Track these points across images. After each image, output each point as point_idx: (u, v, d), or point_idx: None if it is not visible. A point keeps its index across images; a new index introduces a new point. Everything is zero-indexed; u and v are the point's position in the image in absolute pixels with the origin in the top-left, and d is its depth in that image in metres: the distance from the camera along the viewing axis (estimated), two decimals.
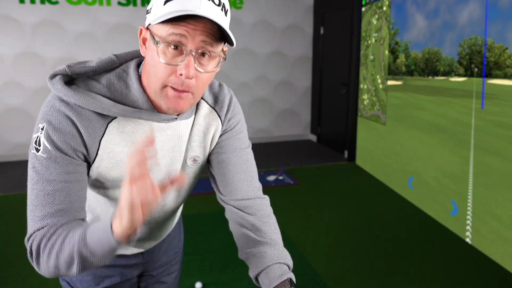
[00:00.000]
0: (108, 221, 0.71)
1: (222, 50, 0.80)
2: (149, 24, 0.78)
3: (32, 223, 0.79)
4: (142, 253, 1.15)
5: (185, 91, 0.78)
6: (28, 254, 0.79)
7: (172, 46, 0.74)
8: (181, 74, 0.75)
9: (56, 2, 5.05)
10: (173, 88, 0.77)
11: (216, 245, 2.98)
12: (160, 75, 0.76)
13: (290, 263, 0.93)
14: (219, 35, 0.76)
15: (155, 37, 0.75)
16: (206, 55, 0.77)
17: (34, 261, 0.79)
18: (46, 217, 0.78)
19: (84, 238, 0.72)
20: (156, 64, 0.76)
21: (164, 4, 0.73)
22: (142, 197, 0.66)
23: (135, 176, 0.65)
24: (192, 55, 0.74)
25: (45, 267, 0.78)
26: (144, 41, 0.80)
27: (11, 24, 4.96)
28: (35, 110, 5.25)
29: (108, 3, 5.23)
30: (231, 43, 0.78)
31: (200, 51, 0.75)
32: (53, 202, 0.79)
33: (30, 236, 0.79)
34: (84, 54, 5.27)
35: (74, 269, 0.74)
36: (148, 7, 0.79)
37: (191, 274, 2.59)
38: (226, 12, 0.77)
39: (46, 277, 0.81)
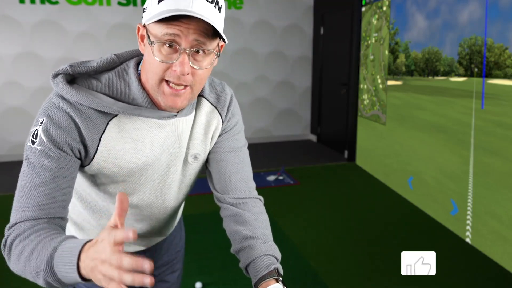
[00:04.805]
0: (75, 254, 0.65)
1: (218, 45, 0.82)
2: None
3: (14, 213, 0.80)
4: (144, 251, 1.16)
5: (184, 85, 0.80)
6: (2, 245, 0.79)
7: (167, 45, 0.76)
8: (176, 71, 0.77)
9: (56, 2, 5.05)
10: (168, 84, 0.80)
11: (216, 245, 2.98)
12: (156, 70, 0.79)
13: (278, 256, 0.95)
14: (213, 32, 0.77)
15: (150, 36, 0.78)
16: (201, 52, 0.79)
17: (5, 255, 0.79)
18: (28, 209, 0.79)
19: (51, 263, 0.68)
20: (153, 62, 0.79)
21: (158, 3, 0.75)
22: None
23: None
24: (186, 53, 0.77)
25: (13, 267, 0.78)
26: (142, 38, 0.83)
27: (11, 24, 4.96)
28: (35, 110, 5.25)
29: (108, 3, 5.23)
30: (223, 40, 0.79)
31: (194, 48, 0.77)
32: (37, 195, 0.80)
33: (11, 227, 0.79)
34: (84, 54, 5.27)
35: (41, 283, 0.72)
36: (145, 6, 0.81)
37: (191, 274, 2.59)
38: (219, 9, 0.78)
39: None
